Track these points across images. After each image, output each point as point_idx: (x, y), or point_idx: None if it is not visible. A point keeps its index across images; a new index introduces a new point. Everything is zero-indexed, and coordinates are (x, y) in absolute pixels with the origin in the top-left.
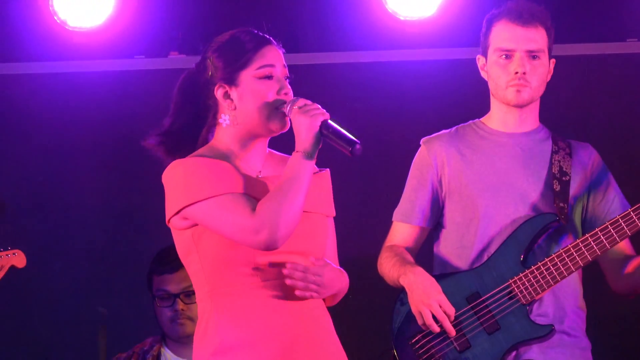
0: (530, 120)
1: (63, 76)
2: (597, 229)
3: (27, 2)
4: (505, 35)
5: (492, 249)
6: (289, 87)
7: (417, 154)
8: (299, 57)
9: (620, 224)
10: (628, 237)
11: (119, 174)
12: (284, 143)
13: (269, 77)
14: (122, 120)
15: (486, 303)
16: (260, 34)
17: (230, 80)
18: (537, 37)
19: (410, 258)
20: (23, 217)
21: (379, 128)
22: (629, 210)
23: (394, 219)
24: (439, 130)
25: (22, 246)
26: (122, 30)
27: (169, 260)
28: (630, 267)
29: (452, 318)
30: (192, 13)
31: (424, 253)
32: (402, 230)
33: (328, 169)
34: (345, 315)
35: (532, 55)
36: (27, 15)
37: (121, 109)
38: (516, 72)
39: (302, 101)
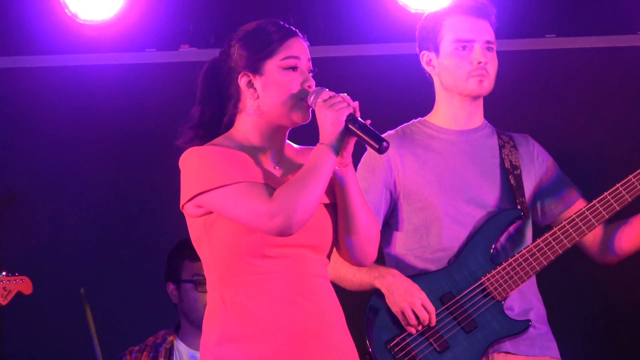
0: (477, 115)
1: (74, 69)
2: (564, 222)
3: None
4: (463, 26)
5: (457, 247)
6: (313, 80)
7: (365, 156)
8: (310, 49)
9: (587, 216)
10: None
11: (130, 166)
12: (302, 134)
13: (294, 69)
14: (133, 113)
15: (461, 302)
16: (287, 25)
17: (255, 69)
18: (490, 30)
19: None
20: (34, 208)
21: (390, 121)
22: (594, 202)
23: None
24: None
25: (32, 237)
26: (132, 23)
27: None
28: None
29: (434, 316)
30: (203, 6)
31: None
32: None
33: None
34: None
35: (489, 46)
36: (38, 8)
37: (132, 102)
38: (479, 62)
39: (326, 93)
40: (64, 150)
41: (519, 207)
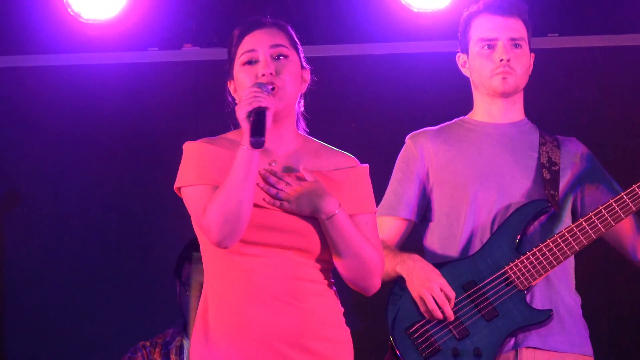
0: (515, 111)
1: (77, 68)
2: (590, 213)
3: None
4: (486, 25)
5: (484, 236)
6: (272, 66)
7: (403, 148)
8: (311, 49)
9: (614, 208)
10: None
11: (133, 165)
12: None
13: (251, 63)
14: (136, 112)
15: (483, 290)
16: (255, 20)
17: (231, 74)
18: (518, 27)
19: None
20: (37, 208)
21: (392, 120)
22: (622, 194)
23: (377, 213)
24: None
25: (36, 236)
26: (135, 22)
27: None
28: None
29: (453, 302)
30: (206, 5)
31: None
32: (388, 225)
33: (364, 166)
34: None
35: (515, 43)
36: (40, 7)
37: (135, 101)
38: (501, 60)
39: (247, 90)
40: (67, 149)
41: (548, 198)
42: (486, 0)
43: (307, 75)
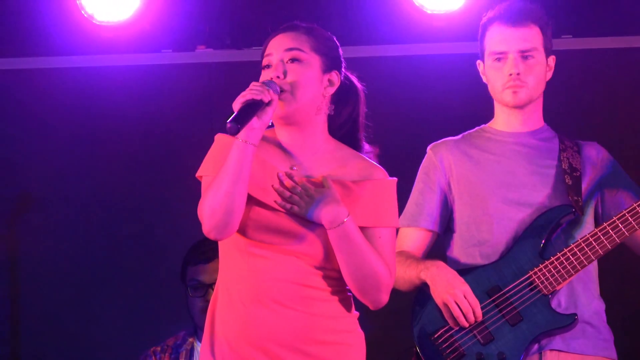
0: (533, 119)
1: (90, 70)
2: (614, 218)
3: None
4: (497, 38)
5: (509, 243)
6: (280, 68)
7: (425, 159)
8: None
9: (638, 212)
10: None
11: (146, 168)
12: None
13: (268, 67)
14: (150, 114)
15: (507, 295)
16: (285, 25)
17: None
18: (528, 37)
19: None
20: (49, 209)
21: (405, 121)
22: None
23: (400, 225)
24: (465, 124)
25: (48, 238)
26: (149, 24)
27: (204, 251)
28: None
29: (478, 310)
30: (219, 7)
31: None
32: (410, 236)
33: (392, 179)
34: (366, 316)
35: (525, 55)
36: (54, 9)
37: (148, 103)
38: (510, 74)
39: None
40: (80, 152)
41: (572, 204)
42: (499, 7)
43: (335, 79)
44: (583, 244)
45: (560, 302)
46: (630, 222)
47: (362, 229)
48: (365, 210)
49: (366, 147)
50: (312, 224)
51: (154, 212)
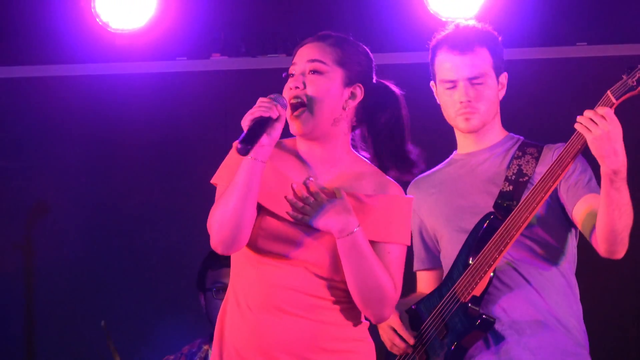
0: (490, 136)
1: (105, 78)
2: (513, 211)
3: (70, 4)
4: (446, 65)
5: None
6: (299, 80)
7: None
8: None
9: (528, 200)
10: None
11: (162, 175)
12: None
13: (290, 76)
14: (165, 122)
15: (439, 311)
16: (316, 35)
17: None
18: (476, 63)
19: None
20: (64, 216)
21: (421, 128)
22: (536, 183)
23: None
24: None
25: (64, 245)
26: (164, 32)
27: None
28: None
29: (406, 335)
30: (234, 15)
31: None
32: (419, 278)
33: (409, 198)
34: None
35: (474, 82)
36: (69, 17)
37: (163, 110)
38: (461, 102)
39: (258, 100)
40: (95, 159)
41: (495, 209)
42: (447, 33)
43: (358, 92)
44: (491, 244)
45: (495, 306)
46: (523, 213)
47: (372, 243)
48: (377, 225)
49: (410, 147)
50: (322, 235)
51: (168, 218)
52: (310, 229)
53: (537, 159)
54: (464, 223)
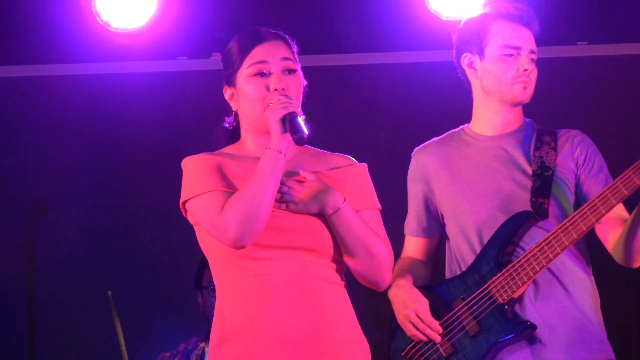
0: (518, 118)
1: (105, 77)
2: (565, 220)
3: (70, 3)
4: (511, 33)
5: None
6: (284, 80)
7: (409, 166)
8: (341, 57)
9: (585, 214)
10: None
11: (162, 174)
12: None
13: (261, 75)
14: (165, 121)
15: (469, 306)
16: (261, 31)
17: (230, 81)
18: (533, 40)
19: (406, 270)
20: (64, 216)
21: (421, 128)
22: (594, 198)
23: (404, 231)
24: None
25: (63, 244)
26: (164, 31)
27: None
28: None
29: (433, 325)
30: (235, 14)
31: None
32: (410, 243)
33: (362, 164)
34: (371, 320)
35: (532, 57)
36: (70, 17)
37: (164, 110)
38: (525, 69)
39: (275, 97)
40: (95, 158)
41: (532, 209)
42: (506, 7)
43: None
44: (536, 249)
45: (526, 309)
46: (578, 224)
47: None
48: (351, 196)
49: None
50: (310, 218)
51: (168, 218)
52: (297, 215)
53: (555, 150)
54: (484, 205)
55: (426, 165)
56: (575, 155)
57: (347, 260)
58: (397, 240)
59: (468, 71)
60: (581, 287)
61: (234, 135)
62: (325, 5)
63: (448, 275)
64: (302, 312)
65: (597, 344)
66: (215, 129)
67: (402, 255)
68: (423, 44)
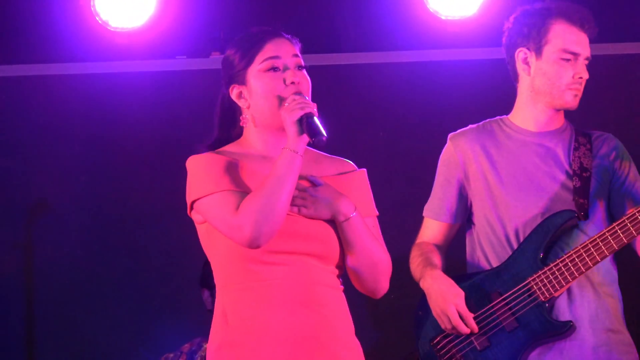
0: (558, 119)
1: (104, 77)
2: (614, 224)
3: (69, 3)
4: (572, 37)
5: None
6: (299, 75)
7: (444, 149)
8: (340, 57)
9: (636, 217)
10: None
11: (162, 174)
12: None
13: (275, 69)
14: (164, 120)
15: (506, 301)
16: (271, 28)
17: (239, 79)
18: (589, 47)
19: (434, 258)
20: (64, 215)
21: (420, 128)
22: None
23: (424, 214)
24: None
25: (63, 244)
26: (163, 30)
27: None
28: None
29: (470, 321)
30: (234, 13)
31: (453, 248)
32: (431, 227)
33: (363, 170)
34: (371, 320)
35: (587, 64)
36: (69, 16)
37: (163, 109)
38: (580, 77)
39: (291, 97)
40: (95, 158)
41: (575, 208)
42: (569, 7)
43: None
44: (582, 250)
45: (561, 309)
46: (629, 229)
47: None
48: (355, 202)
49: None
50: (320, 223)
51: (168, 218)
52: (305, 219)
53: (590, 151)
54: (524, 199)
55: (465, 151)
56: (611, 159)
57: (350, 266)
58: (397, 242)
59: (521, 66)
60: (610, 289)
61: (232, 135)
62: (325, 4)
63: (470, 261)
64: (306, 318)
65: (624, 346)
66: (215, 128)
67: (420, 239)
68: (422, 43)
